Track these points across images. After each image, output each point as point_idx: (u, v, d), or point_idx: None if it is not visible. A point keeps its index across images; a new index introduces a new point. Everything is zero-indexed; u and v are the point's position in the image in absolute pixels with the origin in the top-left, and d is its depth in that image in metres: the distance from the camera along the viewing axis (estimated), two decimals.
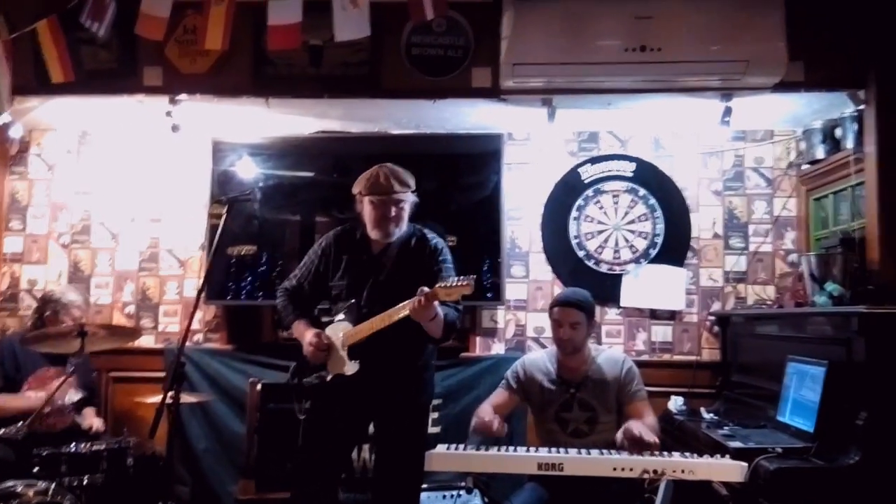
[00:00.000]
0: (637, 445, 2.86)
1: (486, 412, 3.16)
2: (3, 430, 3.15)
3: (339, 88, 3.66)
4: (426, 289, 2.63)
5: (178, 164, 4.38)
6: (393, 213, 2.88)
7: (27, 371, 3.58)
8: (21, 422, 3.20)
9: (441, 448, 2.95)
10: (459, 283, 2.61)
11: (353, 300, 2.90)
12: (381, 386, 2.86)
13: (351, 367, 2.82)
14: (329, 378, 2.88)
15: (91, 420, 3.66)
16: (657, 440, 2.90)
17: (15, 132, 4.08)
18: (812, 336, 3.15)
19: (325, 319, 3.02)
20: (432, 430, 3.75)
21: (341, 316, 2.92)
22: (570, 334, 3.17)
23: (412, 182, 2.95)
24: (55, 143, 4.45)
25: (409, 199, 2.94)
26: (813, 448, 2.73)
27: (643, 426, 2.95)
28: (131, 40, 3.52)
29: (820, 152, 3.87)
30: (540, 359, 3.34)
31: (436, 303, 2.68)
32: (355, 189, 2.97)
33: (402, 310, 2.70)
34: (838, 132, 3.72)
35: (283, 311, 3.08)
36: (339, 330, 2.90)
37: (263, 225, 4.21)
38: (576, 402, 3.19)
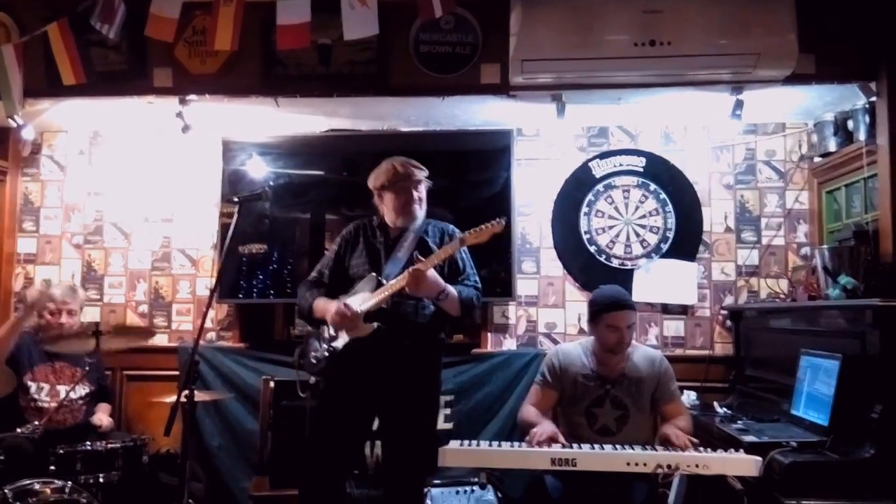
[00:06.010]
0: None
1: (531, 414, 3.15)
2: (20, 429, 3.19)
3: (348, 87, 3.66)
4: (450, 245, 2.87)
5: (189, 163, 4.40)
6: (416, 196, 3.02)
7: (25, 367, 3.56)
8: (37, 421, 3.24)
9: (454, 444, 2.96)
10: (489, 225, 2.77)
11: (372, 274, 2.98)
12: (393, 361, 2.90)
13: (368, 328, 2.88)
14: (342, 346, 2.92)
15: (100, 416, 3.66)
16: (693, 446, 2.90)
17: (27, 134, 4.09)
18: (826, 329, 3.14)
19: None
20: (445, 425, 3.75)
21: (361, 288, 3.00)
22: (629, 337, 3.15)
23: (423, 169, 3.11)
24: (67, 144, 4.49)
25: (425, 182, 3.08)
26: (827, 442, 2.73)
27: (680, 433, 2.95)
28: (141, 42, 3.52)
29: (832, 145, 3.84)
30: (575, 351, 3.30)
31: (441, 281, 2.86)
32: (375, 184, 3.08)
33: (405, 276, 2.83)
34: (850, 124, 3.69)
35: (302, 299, 3.10)
36: (357, 299, 2.95)
37: (274, 223, 4.23)
38: (609, 399, 3.17)
